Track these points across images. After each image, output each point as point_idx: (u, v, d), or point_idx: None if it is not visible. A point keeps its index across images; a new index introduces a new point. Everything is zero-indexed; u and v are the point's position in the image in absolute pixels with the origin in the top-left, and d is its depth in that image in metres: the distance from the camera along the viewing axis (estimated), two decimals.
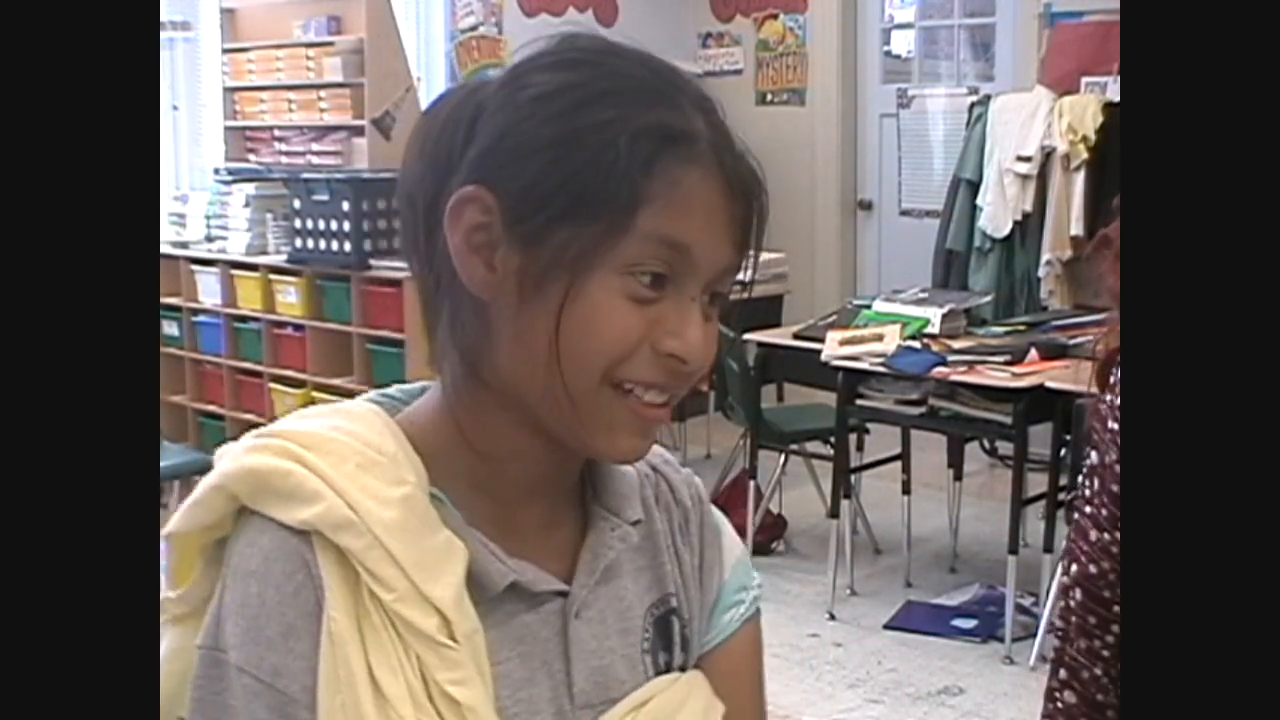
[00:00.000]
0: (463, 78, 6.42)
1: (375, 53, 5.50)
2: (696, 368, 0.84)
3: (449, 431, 0.87)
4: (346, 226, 4.79)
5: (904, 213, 6.68)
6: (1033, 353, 3.99)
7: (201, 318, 5.45)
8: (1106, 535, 1.30)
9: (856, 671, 3.96)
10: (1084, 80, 5.24)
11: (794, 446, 4.83)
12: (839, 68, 6.75)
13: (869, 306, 4.54)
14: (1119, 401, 1.29)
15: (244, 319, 5.28)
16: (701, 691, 0.94)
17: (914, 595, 4.50)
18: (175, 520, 0.84)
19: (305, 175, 5.16)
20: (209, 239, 5.49)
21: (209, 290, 5.40)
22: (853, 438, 4.55)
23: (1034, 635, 3.95)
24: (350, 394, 5.15)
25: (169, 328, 5.49)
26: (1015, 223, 5.15)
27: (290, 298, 5.08)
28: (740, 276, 0.88)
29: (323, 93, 5.71)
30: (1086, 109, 5.00)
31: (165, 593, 0.85)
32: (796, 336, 4.53)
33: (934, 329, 4.26)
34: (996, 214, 5.19)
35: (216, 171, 5.78)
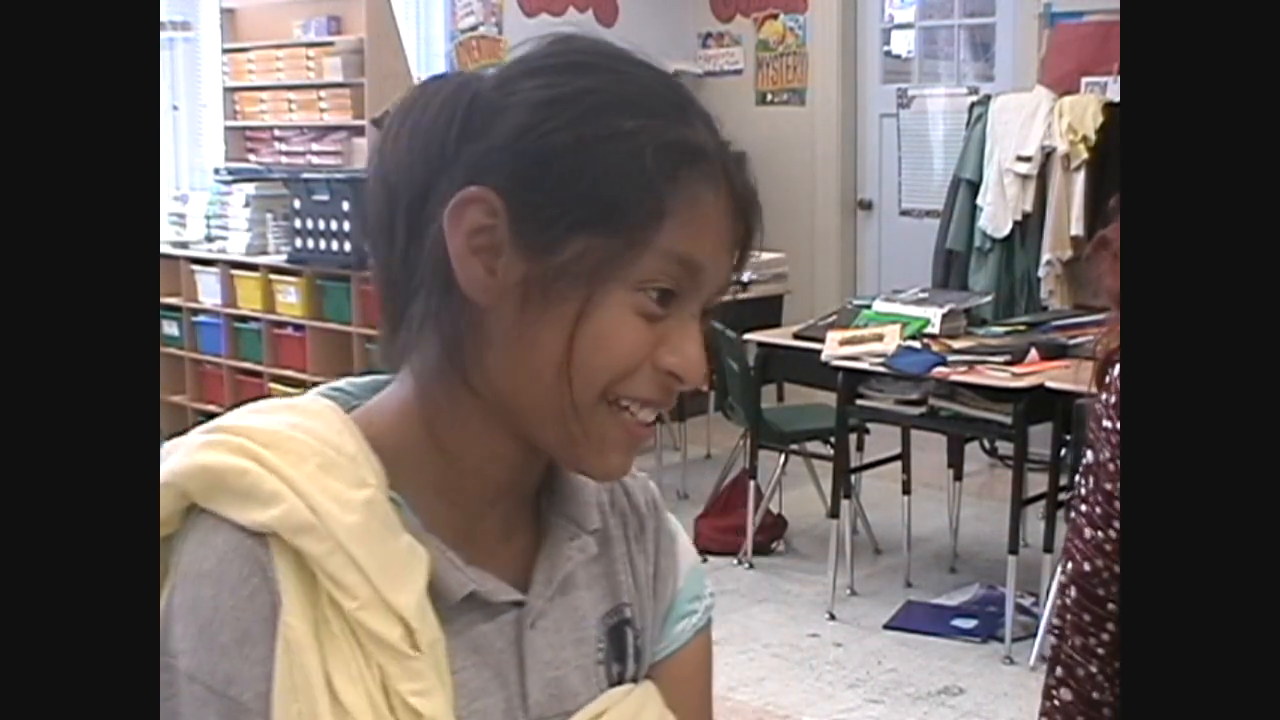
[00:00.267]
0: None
1: (375, 53, 5.50)
2: (691, 384, 0.83)
3: (415, 432, 0.84)
4: (346, 226, 4.79)
5: (904, 213, 6.68)
6: (1033, 353, 4.00)
7: (202, 318, 5.45)
8: (1100, 533, 1.31)
9: (856, 671, 3.96)
10: (1084, 80, 5.24)
11: (794, 446, 4.83)
12: (839, 68, 6.75)
13: (869, 306, 4.54)
14: (1113, 400, 1.30)
15: (244, 319, 5.29)
16: (654, 703, 0.92)
17: (914, 595, 4.50)
18: None
19: (305, 175, 5.17)
20: (209, 239, 5.49)
21: (209, 290, 5.40)
22: (853, 438, 4.55)
23: (1034, 635, 3.95)
24: None
25: (169, 328, 5.49)
26: (1015, 223, 5.15)
27: (290, 298, 5.08)
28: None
29: (323, 93, 5.71)
30: (1086, 109, 5.00)
31: None
32: (796, 336, 4.53)
33: (934, 329, 4.26)
34: (996, 214, 5.19)
35: (216, 171, 5.78)
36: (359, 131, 5.59)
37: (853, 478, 4.61)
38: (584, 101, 0.79)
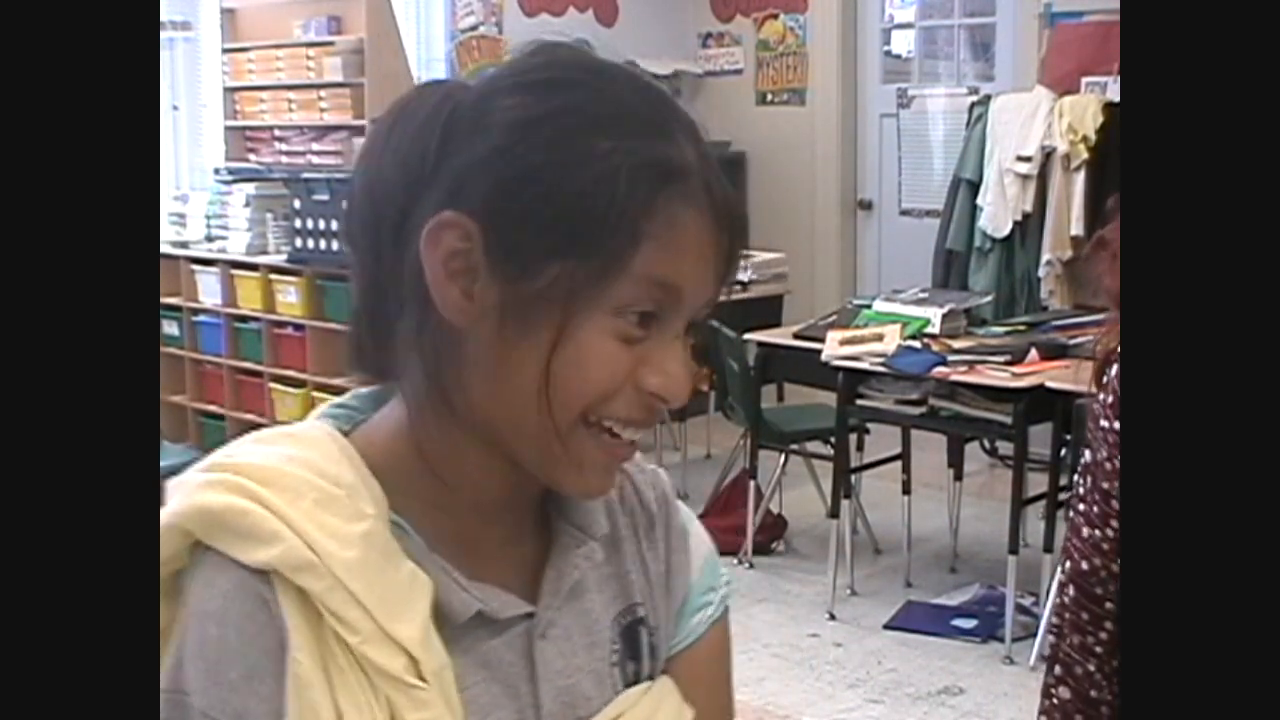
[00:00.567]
0: (463, 77, 6.42)
1: (375, 53, 5.50)
2: (675, 403, 0.82)
3: (408, 454, 0.84)
4: None
5: (904, 213, 6.68)
6: (1033, 353, 4.00)
7: (202, 317, 5.45)
8: (1098, 532, 1.32)
9: (856, 671, 3.96)
10: (1084, 80, 5.24)
11: (794, 446, 4.83)
12: (839, 68, 6.75)
13: (869, 306, 4.54)
14: (1111, 400, 1.30)
15: (244, 319, 5.29)
16: (670, 700, 0.92)
17: (914, 595, 4.50)
18: None
19: (305, 175, 5.17)
20: (209, 239, 5.49)
21: (209, 290, 5.40)
22: (853, 438, 4.55)
23: (1034, 635, 3.95)
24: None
25: (169, 327, 5.49)
26: (1015, 223, 5.15)
27: (290, 297, 5.08)
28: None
29: (323, 92, 5.71)
30: (1086, 109, 5.00)
31: None
32: (797, 336, 4.53)
33: (934, 329, 4.26)
34: (997, 214, 5.19)
35: (217, 171, 5.78)
36: (359, 131, 5.58)
37: (853, 478, 4.61)
38: (558, 122, 0.78)
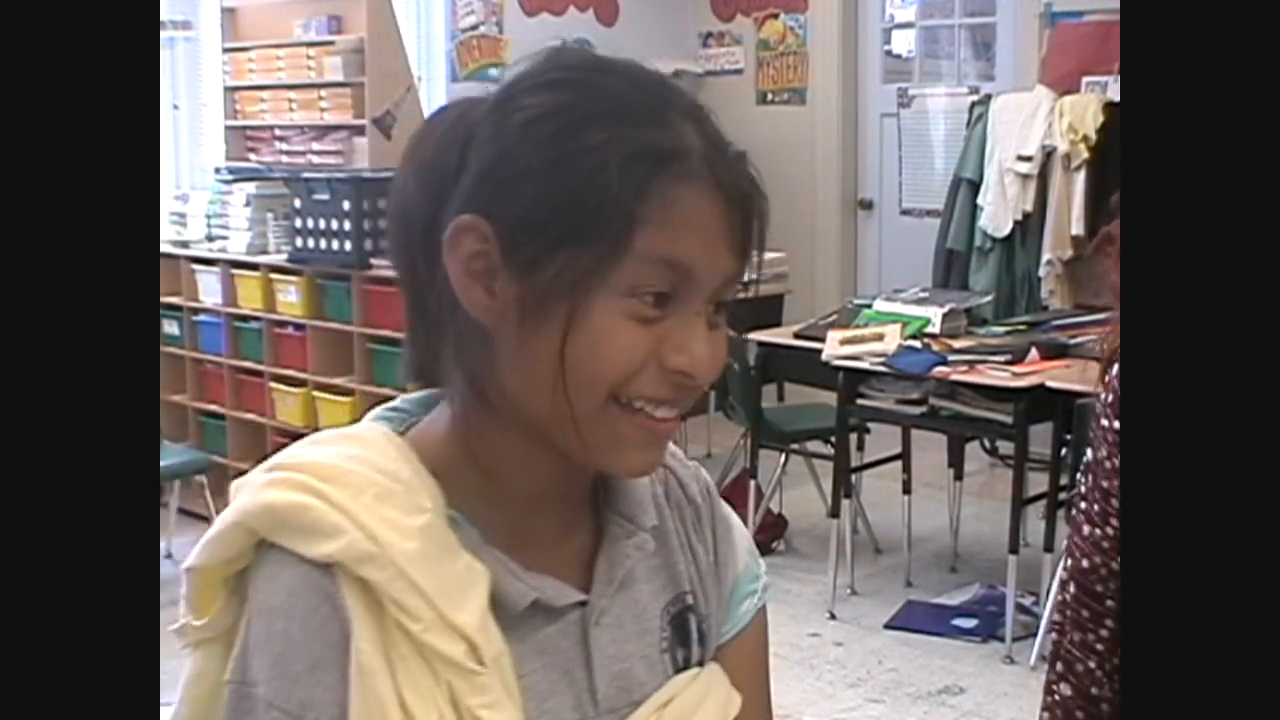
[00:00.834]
0: (463, 77, 6.43)
1: (376, 52, 5.50)
2: (704, 381, 0.84)
3: (459, 452, 0.88)
4: (347, 226, 4.78)
5: (904, 212, 6.68)
6: (1033, 352, 3.99)
7: (202, 317, 5.45)
8: (1099, 530, 1.32)
9: (857, 671, 3.96)
10: (1084, 80, 5.23)
11: (794, 446, 4.83)
12: (839, 67, 6.75)
13: (869, 306, 4.54)
14: (1111, 399, 1.31)
15: (244, 318, 5.28)
16: (720, 685, 0.95)
17: (914, 595, 4.50)
18: (195, 555, 0.84)
19: (306, 174, 5.16)
20: (209, 238, 5.49)
21: (209, 289, 5.40)
22: (853, 437, 4.55)
23: (1035, 635, 3.95)
24: (350, 393, 5.09)
25: (169, 327, 5.49)
26: (1016, 222, 5.15)
27: (291, 297, 5.08)
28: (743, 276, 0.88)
29: (323, 92, 5.71)
30: (1087, 108, 5.00)
31: (189, 620, 0.86)
32: (797, 336, 4.53)
33: (934, 328, 4.26)
34: (997, 213, 5.19)
35: (217, 171, 5.77)
36: (359, 131, 5.58)
37: (853, 477, 4.60)
38: (555, 120, 0.82)
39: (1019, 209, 5.12)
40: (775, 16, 6.97)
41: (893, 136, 6.67)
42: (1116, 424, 1.29)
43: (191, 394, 5.49)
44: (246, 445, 5.13)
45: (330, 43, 5.66)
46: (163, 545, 4.47)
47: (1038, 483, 4.11)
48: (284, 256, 5.11)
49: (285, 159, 5.85)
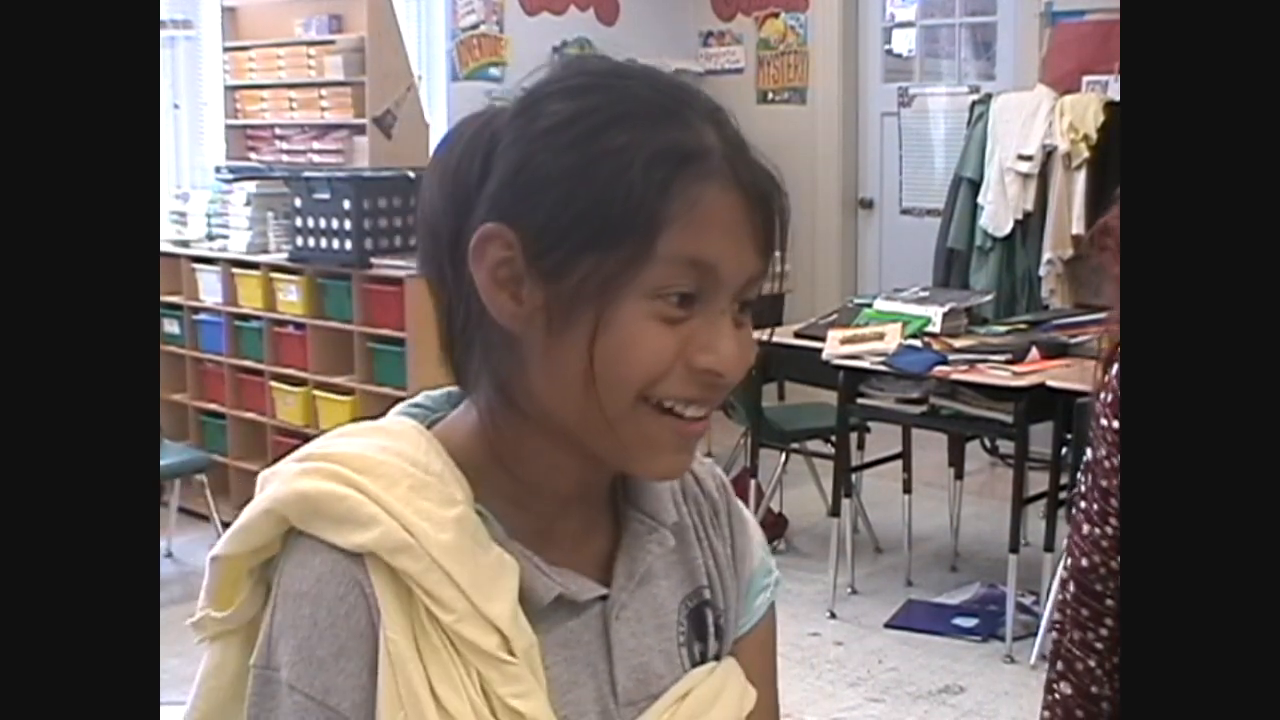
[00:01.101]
0: (463, 76, 6.43)
1: (376, 51, 5.50)
2: (732, 379, 0.85)
3: (484, 452, 0.89)
4: (347, 225, 4.78)
5: (905, 211, 6.68)
6: (1034, 351, 3.99)
7: (202, 316, 5.45)
8: (1098, 529, 1.32)
9: (857, 670, 3.96)
10: (1085, 79, 5.24)
11: (795, 445, 4.83)
12: (840, 66, 6.75)
13: (870, 305, 4.54)
14: (1111, 398, 1.31)
15: (245, 317, 5.28)
16: (736, 679, 0.97)
17: (915, 594, 4.50)
18: (223, 543, 0.85)
19: (306, 174, 5.16)
20: (210, 237, 5.49)
21: (210, 289, 5.40)
22: (854, 436, 4.55)
23: (1035, 634, 3.95)
24: (351, 392, 5.07)
25: (170, 326, 5.49)
26: (1016, 221, 5.15)
27: (291, 296, 5.07)
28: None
29: (324, 91, 5.71)
30: (1088, 108, 5.00)
31: (210, 612, 0.86)
32: (797, 335, 4.52)
33: (935, 328, 4.26)
34: (998, 213, 5.19)
35: (218, 170, 5.77)
36: (360, 130, 5.58)
37: (853, 476, 4.60)
38: (578, 125, 0.82)
39: (1019, 208, 5.12)
40: (776, 16, 6.97)
41: (893, 136, 6.67)
42: (1116, 423, 1.29)
43: (192, 393, 5.49)
44: (247, 445, 5.14)
45: (331, 42, 5.66)
46: (163, 544, 4.47)
47: (1038, 482, 4.10)
48: (284, 256, 5.11)
49: (286, 158, 5.85)
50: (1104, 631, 1.34)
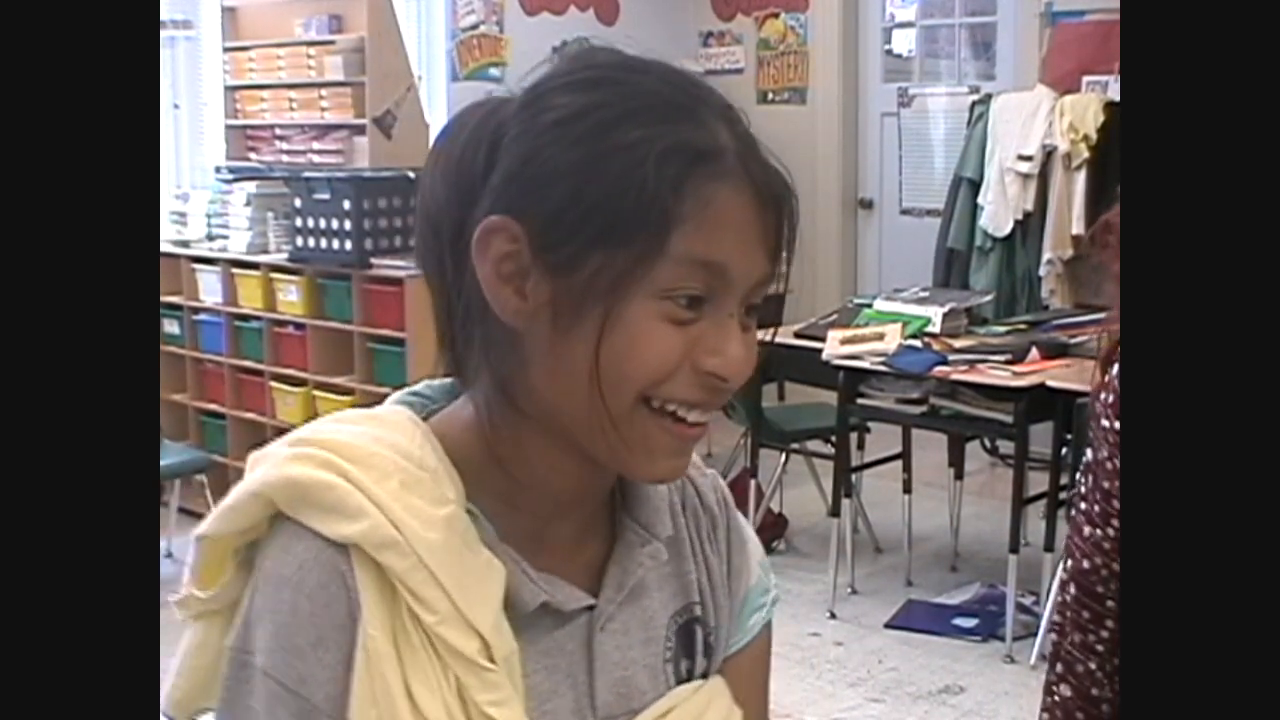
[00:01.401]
0: (463, 76, 6.43)
1: (376, 51, 5.50)
2: (737, 384, 0.83)
3: (480, 449, 0.87)
4: (347, 225, 4.78)
5: (905, 212, 6.68)
6: (1034, 352, 3.99)
7: (202, 316, 5.45)
8: (1099, 531, 1.32)
9: (857, 670, 3.96)
10: (1085, 79, 5.23)
11: (795, 445, 4.83)
12: (840, 67, 6.75)
13: (870, 305, 4.54)
14: (1112, 399, 1.30)
15: (245, 318, 5.28)
16: (722, 699, 0.95)
17: (915, 594, 4.50)
18: (209, 523, 0.84)
19: (306, 174, 5.15)
20: (210, 237, 5.49)
21: (210, 289, 5.40)
22: (854, 436, 4.55)
23: (1035, 634, 3.95)
24: (351, 392, 5.07)
25: (170, 326, 5.49)
26: (1016, 222, 5.15)
27: (291, 296, 5.07)
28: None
29: (324, 91, 5.71)
30: (1088, 108, 5.00)
31: (192, 591, 0.85)
32: (797, 335, 4.52)
33: (935, 328, 4.26)
34: (997, 213, 5.19)
35: (217, 170, 5.77)
36: (360, 130, 5.59)
37: (853, 477, 4.60)
38: (589, 119, 0.80)
39: (1019, 208, 5.12)
40: (776, 16, 6.97)
41: (893, 136, 6.67)
42: (1117, 424, 1.29)
43: (192, 393, 5.49)
44: (247, 444, 5.10)
45: (331, 42, 5.66)
46: (163, 544, 4.47)
47: (1038, 482, 4.10)
48: (284, 256, 5.11)
49: (286, 158, 5.85)
50: (1105, 634, 1.33)
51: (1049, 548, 3.88)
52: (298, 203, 4.98)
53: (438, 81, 6.43)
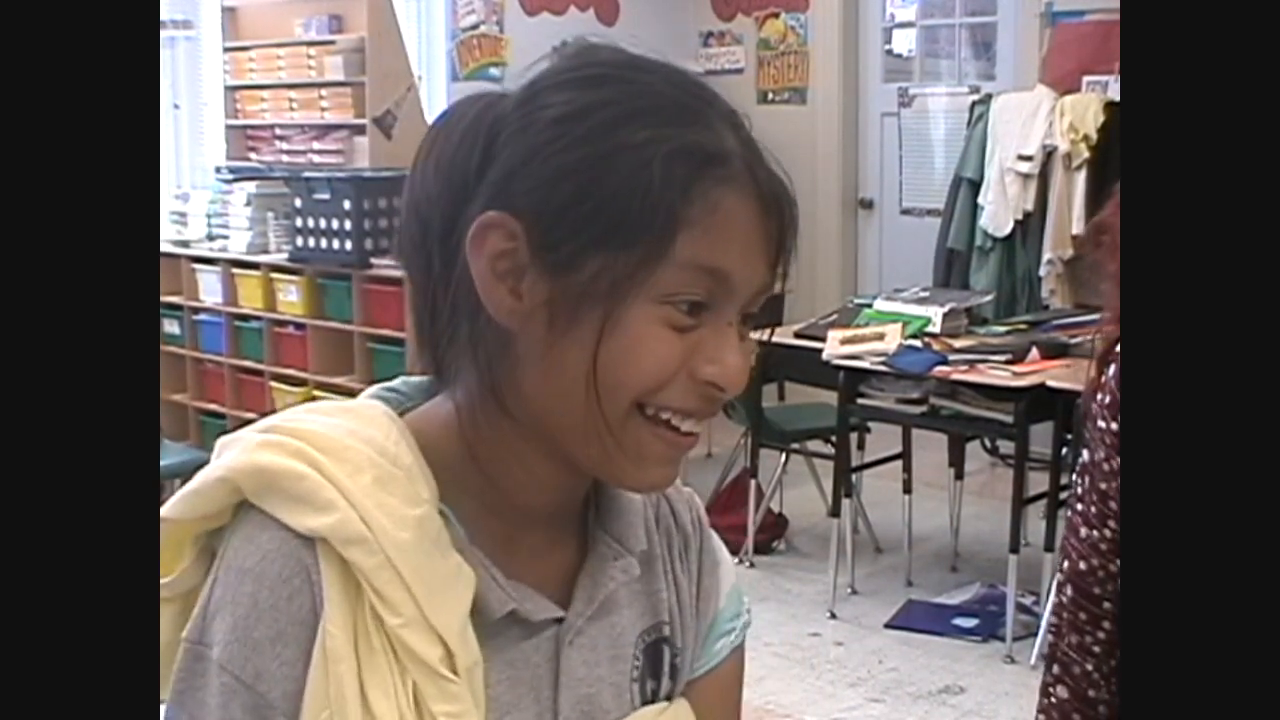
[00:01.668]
0: (463, 76, 6.43)
1: (376, 51, 5.50)
2: (733, 393, 0.81)
3: (458, 449, 0.85)
4: (347, 225, 4.79)
5: (905, 212, 6.68)
6: (1034, 352, 3.99)
7: (203, 316, 5.45)
8: (1096, 532, 1.32)
9: (857, 670, 3.96)
10: (1085, 79, 5.24)
11: (795, 445, 4.83)
12: (840, 67, 6.75)
13: (870, 305, 4.54)
14: (1108, 400, 1.30)
15: (245, 318, 5.29)
16: None
17: (915, 594, 4.50)
18: (171, 506, 0.81)
19: (306, 174, 5.16)
20: (210, 238, 5.49)
21: (210, 289, 5.40)
22: (854, 437, 4.55)
23: (1035, 634, 3.95)
24: (351, 393, 5.09)
25: (170, 326, 5.49)
26: (1016, 222, 5.15)
27: (291, 296, 5.08)
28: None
29: (324, 91, 5.71)
30: (1088, 108, 5.00)
31: None
32: (798, 335, 4.52)
33: (935, 328, 4.26)
34: (998, 213, 5.19)
35: (218, 170, 5.78)
36: (360, 130, 5.59)
37: (854, 477, 4.60)
38: (594, 117, 0.78)
39: (1019, 208, 5.12)
40: (776, 16, 6.97)
41: (893, 136, 6.67)
42: (1114, 425, 1.29)
43: (192, 393, 5.49)
44: None
45: (331, 42, 5.67)
46: None
47: (1038, 482, 4.11)
48: (284, 256, 5.12)
49: (286, 158, 5.86)
50: (1101, 635, 1.33)
51: (1049, 548, 3.88)
52: (298, 203, 4.98)
53: (438, 81, 6.44)
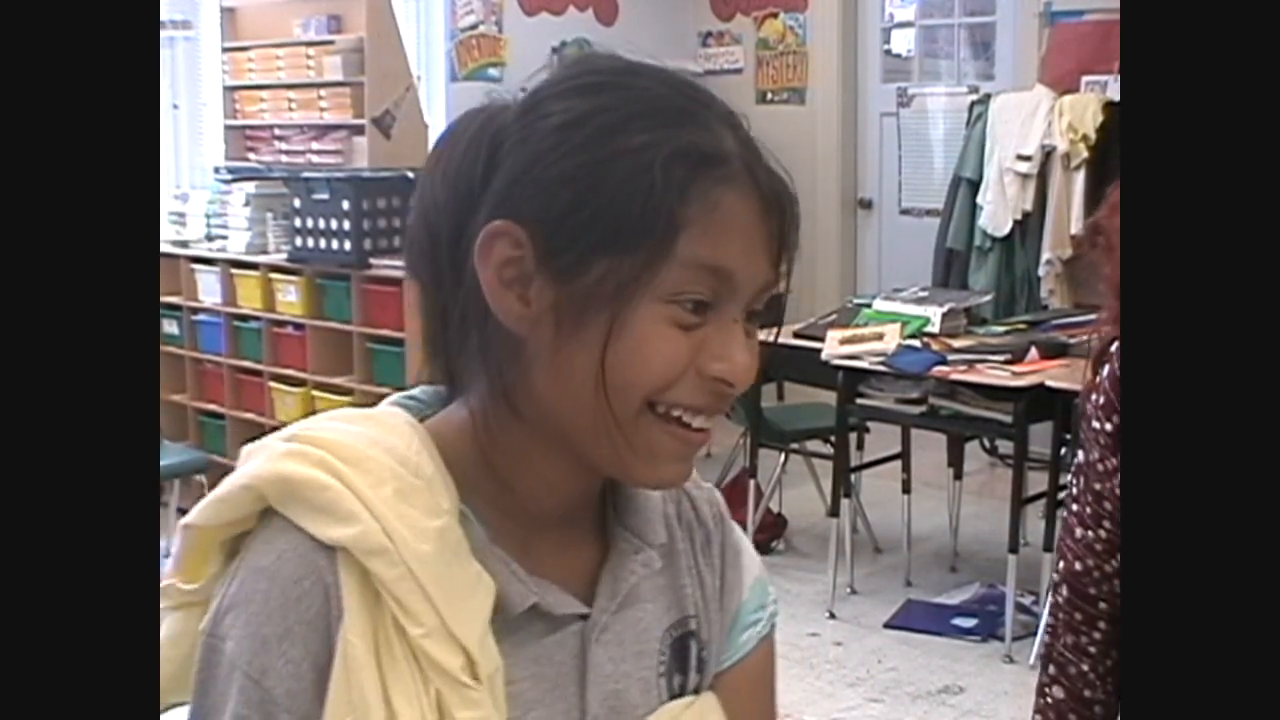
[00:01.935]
0: (462, 77, 6.43)
1: (375, 51, 5.50)
2: (741, 388, 0.83)
3: (474, 454, 0.86)
4: (346, 225, 4.78)
5: (904, 211, 6.67)
6: (1033, 352, 4.00)
7: (201, 316, 5.45)
8: (1091, 533, 1.32)
9: (857, 670, 3.96)
10: (1084, 79, 5.24)
11: (794, 445, 4.83)
12: (839, 67, 6.74)
13: (869, 305, 4.54)
14: (1102, 400, 1.30)
15: (244, 318, 5.28)
16: (714, 716, 0.94)
17: (914, 594, 4.50)
18: (197, 513, 0.83)
19: (305, 174, 5.16)
20: (209, 238, 5.49)
21: (209, 289, 5.40)
22: (853, 436, 4.55)
23: (1034, 634, 3.94)
24: (350, 393, 5.06)
25: (169, 326, 5.49)
26: (1015, 222, 5.15)
27: (290, 297, 5.07)
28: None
29: (323, 91, 5.71)
30: (1087, 108, 5.00)
31: (175, 581, 0.85)
32: (797, 335, 4.52)
33: (934, 328, 4.26)
34: (997, 213, 5.19)
35: (217, 170, 5.77)
36: (359, 130, 5.58)
37: (853, 476, 4.60)
38: (593, 123, 0.80)
39: (1019, 208, 5.13)
40: (775, 16, 6.97)
41: (892, 136, 6.67)
42: (1108, 426, 1.29)
43: (191, 394, 5.49)
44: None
45: (330, 42, 5.66)
46: (163, 545, 4.45)
47: (1037, 482, 4.11)
48: (284, 256, 5.11)
49: (285, 158, 5.85)
50: (1097, 635, 1.33)
51: (1048, 548, 3.87)
52: (297, 203, 4.98)
53: (437, 82, 6.43)
